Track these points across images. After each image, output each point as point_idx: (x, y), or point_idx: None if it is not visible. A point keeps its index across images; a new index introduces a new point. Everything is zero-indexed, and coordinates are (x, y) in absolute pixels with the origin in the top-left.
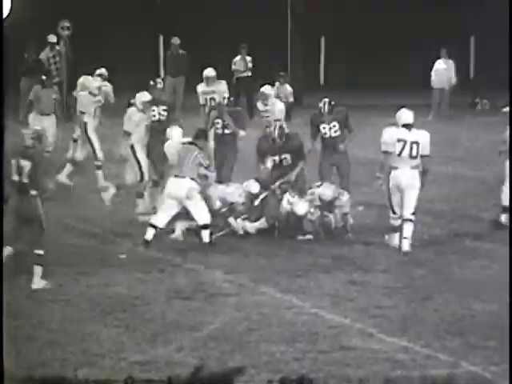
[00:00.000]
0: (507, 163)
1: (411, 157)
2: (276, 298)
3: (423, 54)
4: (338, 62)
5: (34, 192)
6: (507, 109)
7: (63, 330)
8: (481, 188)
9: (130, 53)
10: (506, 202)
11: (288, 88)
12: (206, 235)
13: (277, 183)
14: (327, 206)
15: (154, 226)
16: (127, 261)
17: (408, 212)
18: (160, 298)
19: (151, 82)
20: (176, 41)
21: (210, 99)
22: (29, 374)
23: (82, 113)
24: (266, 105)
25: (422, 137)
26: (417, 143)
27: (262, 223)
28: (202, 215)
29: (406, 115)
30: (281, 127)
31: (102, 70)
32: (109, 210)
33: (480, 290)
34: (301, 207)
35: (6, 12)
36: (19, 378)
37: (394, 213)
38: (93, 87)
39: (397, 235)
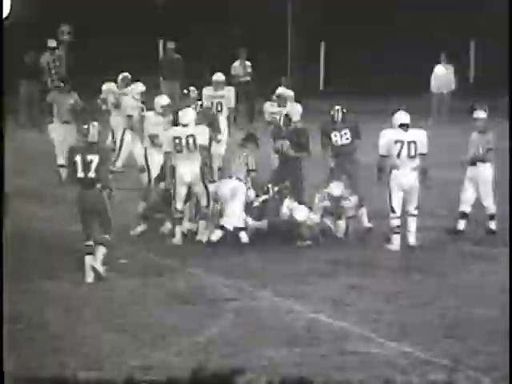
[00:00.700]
0: (469, 171)
1: (410, 157)
2: (275, 303)
3: (423, 59)
4: (338, 67)
5: (99, 185)
6: (477, 115)
7: (63, 334)
8: None
9: (129, 58)
10: (491, 210)
11: (290, 92)
12: (243, 236)
13: (275, 188)
14: (334, 205)
15: (241, 228)
16: (127, 265)
17: (412, 207)
18: (160, 303)
19: (184, 91)
20: (171, 45)
21: (217, 104)
22: (29, 375)
23: (130, 116)
24: (284, 106)
25: (419, 136)
26: (414, 143)
27: (263, 224)
28: (236, 218)
29: (401, 115)
30: (286, 115)
31: (125, 74)
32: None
33: (480, 295)
34: (300, 213)
35: (5, 13)
36: (19, 379)
37: (393, 212)
38: (138, 91)
39: (397, 237)
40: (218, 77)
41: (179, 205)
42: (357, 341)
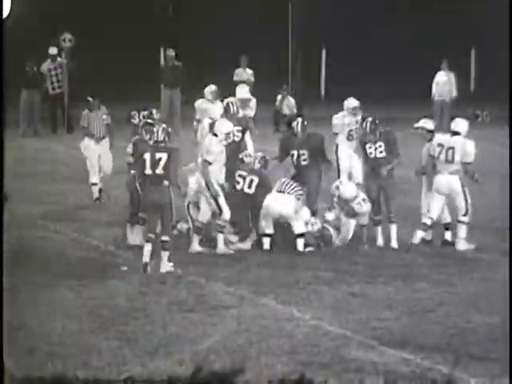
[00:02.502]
0: (423, 181)
1: (447, 161)
2: (277, 310)
3: (424, 66)
4: (338, 75)
5: (166, 182)
6: (420, 123)
7: (64, 343)
8: (482, 200)
9: (131, 65)
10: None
11: (291, 100)
12: (300, 243)
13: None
14: (345, 205)
15: (268, 235)
16: (128, 273)
17: (460, 214)
18: (161, 311)
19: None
20: (171, 52)
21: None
22: (29, 375)
23: None
24: (355, 115)
25: (461, 144)
26: (452, 149)
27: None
28: (299, 224)
29: (454, 123)
30: (303, 122)
31: (213, 87)
32: (109, 222)
33: (481, 303)
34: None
35: (5, 13)
36: (19, 379)
37: (428, 211)
38: (244, 95)
39: (419, 232)
40: (244, 93)
41: (200, 216)
42: (358, 348)
